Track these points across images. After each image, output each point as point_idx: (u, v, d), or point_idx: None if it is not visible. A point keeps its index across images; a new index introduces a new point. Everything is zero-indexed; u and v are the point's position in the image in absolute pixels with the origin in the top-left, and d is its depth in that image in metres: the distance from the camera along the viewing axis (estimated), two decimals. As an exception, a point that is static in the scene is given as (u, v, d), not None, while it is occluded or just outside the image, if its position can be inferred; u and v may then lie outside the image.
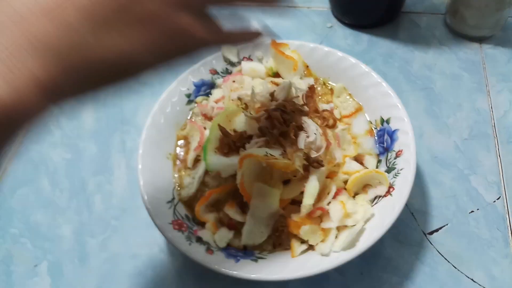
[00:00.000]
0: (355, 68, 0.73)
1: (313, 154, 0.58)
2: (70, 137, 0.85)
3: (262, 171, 0.61)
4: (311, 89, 0.64)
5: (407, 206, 0.72)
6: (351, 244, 0.57)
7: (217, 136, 0.66)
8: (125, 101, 0.89)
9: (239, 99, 0.65)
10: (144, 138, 0.68)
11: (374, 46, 0.92)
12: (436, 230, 0.70)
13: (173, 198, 0.66)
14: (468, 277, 0.65)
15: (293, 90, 0.64)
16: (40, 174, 0.81)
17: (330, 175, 0.63)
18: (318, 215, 0.61)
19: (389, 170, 0.64)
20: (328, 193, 0.61)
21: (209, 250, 0.60)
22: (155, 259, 0.70)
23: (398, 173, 0.62)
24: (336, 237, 0.59)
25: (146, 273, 0.68)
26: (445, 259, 0.67)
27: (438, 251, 0.68)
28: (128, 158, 0.81)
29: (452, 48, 0.90)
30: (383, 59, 0.89)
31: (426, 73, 0.87)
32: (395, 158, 0.65)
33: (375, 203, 0.63)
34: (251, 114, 0.64)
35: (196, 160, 0.70)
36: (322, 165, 0.58)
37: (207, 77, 0.76)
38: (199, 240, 0.61)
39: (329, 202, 0.61)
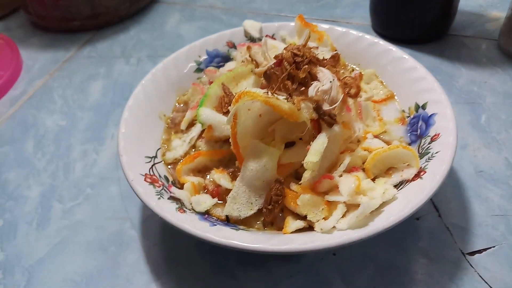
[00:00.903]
0: (388, 54, 0.64)
1: (326, 107, 0.46)
2: (70, 107, 0.79)
3: (262, 127, 0.50)
4: (335, 58, 0.55)
5: (442, 218, 0.57)
6: (362, 223, 0.43)
7: (217, 94, 0.57)
8: (138, 80, 0.82)
9: (250, 56, 0.56)
10: (138, 90, 0.60)
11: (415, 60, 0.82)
12: (479, 251, 0.54)
13: (155, 157, 0.56)
14: (522, 315, 0.48)
15: (314, 46, 0.54)
16: (27, 136, 0.74)
17: (347, 151, 0.51)
18: (324, 189, 0.48)
19: (421, 155, 0.52)
20: (340, 165, 0.49)
21: (180, 209, 0.47)
22: (123, 235, 0.57)
23: (433, 156, 0.49)
24: (343, 216, 0.46)
25: (108, 249, 0.56)
26: (490, 286, 0.50)
27: (480, 276, 0.51)
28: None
29: (505, 69, 0.79)
30: (424, 72, 0.80)
31: (473, 88, 0.75)
32: (429, 143, 0.52)
33: (400, 189, 0.49)
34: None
35: (192, 124, 0.60)
36: (335, 121, 0.46)
37: (223, 49, 0.69)
38: (172, 198, 0.49)
39: (341, 175, 0.48)
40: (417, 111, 0.57)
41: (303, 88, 0.48)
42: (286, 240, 0.43)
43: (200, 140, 0.57)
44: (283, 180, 0.48)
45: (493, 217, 0.57)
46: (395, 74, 0.62)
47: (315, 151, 0.45)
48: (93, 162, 0.68)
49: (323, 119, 0.46)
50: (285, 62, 0.48)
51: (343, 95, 0.47)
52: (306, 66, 0.47)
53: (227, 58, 0.69)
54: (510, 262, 0.52)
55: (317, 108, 0.46)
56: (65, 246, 0.57)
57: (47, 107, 0.79)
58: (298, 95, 0.48)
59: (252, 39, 0.70)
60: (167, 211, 0.45)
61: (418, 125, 0.56)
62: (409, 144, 0.55)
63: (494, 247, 0.54)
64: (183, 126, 0.59)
